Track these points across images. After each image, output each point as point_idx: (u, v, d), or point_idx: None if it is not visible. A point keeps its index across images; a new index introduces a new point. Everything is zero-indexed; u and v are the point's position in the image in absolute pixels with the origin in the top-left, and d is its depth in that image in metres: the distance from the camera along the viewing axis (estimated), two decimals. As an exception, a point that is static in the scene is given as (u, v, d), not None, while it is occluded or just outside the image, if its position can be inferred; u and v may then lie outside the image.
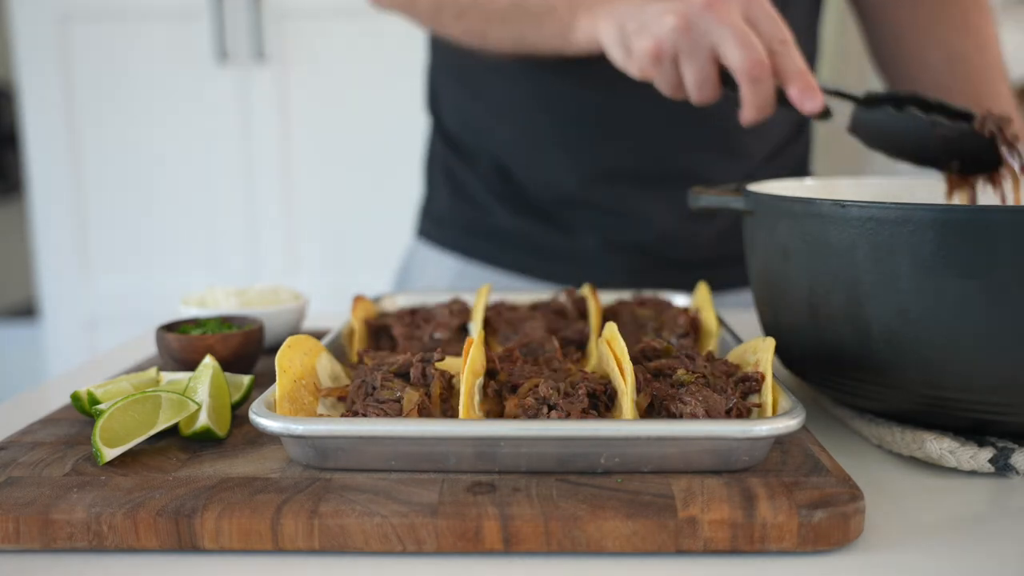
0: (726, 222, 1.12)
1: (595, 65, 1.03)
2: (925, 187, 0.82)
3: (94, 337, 2.51)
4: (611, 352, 0.60)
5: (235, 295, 0.88)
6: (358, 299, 0.82)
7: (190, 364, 0.72)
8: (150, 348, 0.94)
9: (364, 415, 0.57)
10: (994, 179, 0.75)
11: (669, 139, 1.06)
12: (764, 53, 0.72)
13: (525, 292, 0.91)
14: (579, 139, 1.07)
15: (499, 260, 1.15)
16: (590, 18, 0.84)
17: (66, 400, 0.71)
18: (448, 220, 1.20)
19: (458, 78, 1.15)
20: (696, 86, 0.76)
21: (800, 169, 1.18)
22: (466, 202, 1.17)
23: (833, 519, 0.48)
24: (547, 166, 1.10)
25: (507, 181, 1.13)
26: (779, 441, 0.57)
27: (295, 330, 0.88)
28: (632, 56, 0.78)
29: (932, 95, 0.91)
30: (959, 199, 0.77)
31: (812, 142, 1.21)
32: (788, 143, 1.14)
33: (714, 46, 0.73)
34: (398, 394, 0.58)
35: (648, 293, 0.89)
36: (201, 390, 0.61)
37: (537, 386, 0.59)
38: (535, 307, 0.85)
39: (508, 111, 1.10)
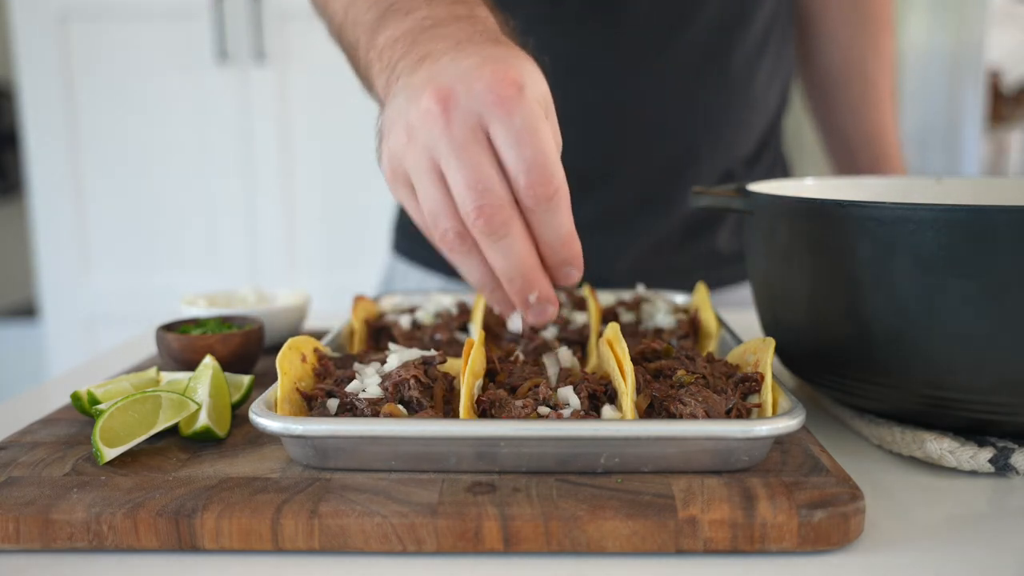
0: (726, 221, 1.13)
1: (577, 73, 1.03)
2: (925, 187, 0.82)
3: (94, 337, 2.51)
4: (612, 353, 0.60)
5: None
6: (358, 299, 0.82)
7: (190, 364, 0.72)
8: (150, 348, 0.94)
9: (364, 415, 0.57)
10: None
11: (650, 148, 1.06)
12: (507, 198, 0.52)
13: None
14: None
15: None
16: (379, 92, 0.64)
17: (66, 400, 0.71)
18: (421, 236, 1.19)
19: None
20: (435, 228, 0.54)
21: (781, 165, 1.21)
22: None
23: (833, 519, 0.48)
24: None
25: None
26: (779, 441, 0.57)
27: (295, 330, 0.88)
28: (383, 171, 0.59)
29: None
30: None
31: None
32: (768, 140, 1.16)
33: (439, 166, 0.53)
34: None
35: (649, 293, 0.89)
36: (201, 390, 0.61)
37: (537, 386, 0.59)
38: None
39: None
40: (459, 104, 0.51)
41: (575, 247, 0.55)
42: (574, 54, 1.02)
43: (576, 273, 0.57)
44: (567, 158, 1.05)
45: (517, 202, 0.53)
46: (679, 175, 1.07)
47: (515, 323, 0.57)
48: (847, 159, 1.21)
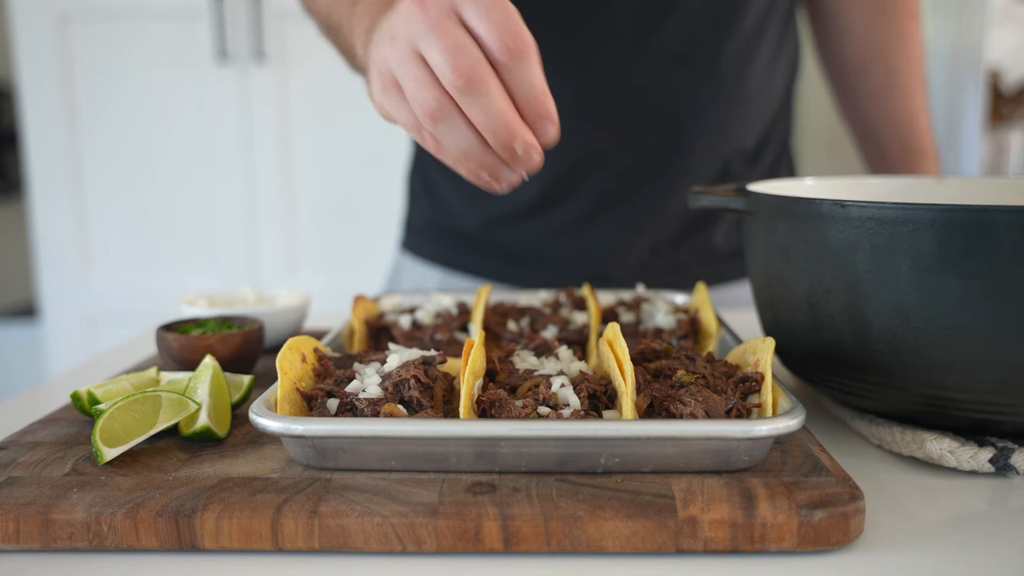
0: (723, 217, 1.12)
1: (571, 58, 1.03)
2: (925, 187, 0.82)
3: (94, 337, 2.51)
4: (612, 353, 0.60)
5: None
6: (358, 299, 0.82)
7: (190, 364, 0.72)
8: (150, 348, 0.94)
9: (364, 415, 0.57)
10: None
11: (648, 135, 1.06)
12: (481, 55, 0.57)
13: (524, 292, 0.91)
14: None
15: (482, 270, 1.14)
16: (362, 51, 0.70)
17: (66, 400, 0.71)
18: (428, 232, 1.19)
19: None
20: (418, 104, 0.59)
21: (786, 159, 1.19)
22: (443, 212, 1.17)
23: (833, 519, 0.48)
24: None
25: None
26: (779, 441, 0.57)
27: (296, 330, 0.88)
28: (374, 101, 0.65)
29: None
30: None
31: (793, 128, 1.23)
32: (773, 130, 1.15)
33: (419, 50, 0.58)
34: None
35: (649, 293, 0.89)
36: (201, 390, 0.61)
37: (537, 386, 0.59)
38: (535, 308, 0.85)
39: None
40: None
41: (548, 102, 0.59)
42: (559, 42, 1.02)
43: (552, 129, 0.60)
44: (557, 149, 1.04)
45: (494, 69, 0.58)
46: (670, 167, 1.07)
47: (505, 178, 0.62)
48: (876, 152, 1.18)
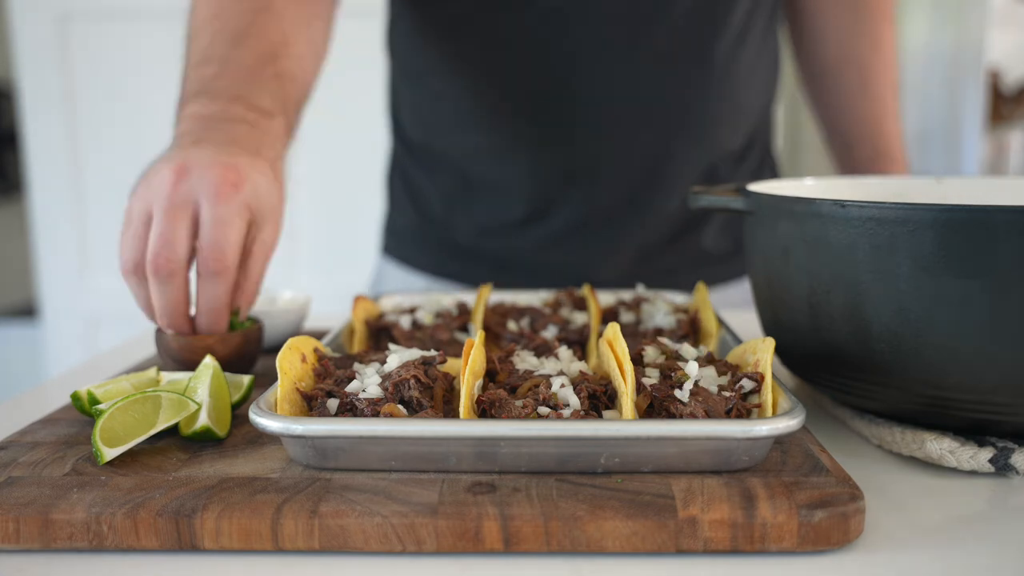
0: (712, 220, 1.12)
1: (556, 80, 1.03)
2: (925, 187, 0.82)
3: (94, 337, 2.51)
4: (612, 352, 0.60)
5: None
6: (358, 299, 0.82)
7: (190, 364, 0.72)
8: (150, 348, 0.94)
9: (364, 415, 0.57)
10: None
11: (634, 150, 1.06)
12: (180, 257, 0.67)
13: (524, 292, 0.91)
14: (541, 143, 1.07)
15: (463, 276, 1.13)
16: (174, 125, 0.80)
17: (66, 400, 0.72)
18: (412, 238, 1.19)
19: (417, 84, 1.14)
20: (124, 249, 0.69)
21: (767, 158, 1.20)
22: (426, 217, 1.17)
23: (833, 519, 0.48)
24: (509, 171, 1.09)
25: (468, 191, 1.12)
26: (779, 441, 0.57)
27: (296, 330, 0.88)
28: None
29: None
30: None
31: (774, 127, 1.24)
32: (757, 135, 1.16)
33: (151, 214, 0.68)
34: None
35: (649, 293, 0.89)
36: (201, 390, 0.61)
37: (537, 386, 0.59)
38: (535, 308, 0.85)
39: (470, 117, 1.09)
40: (188, 180, 0.67)
41: (221, 322, 0.70)
42: (548, 47, 1.02)
43: (215, 335, 0.71)
44: (548, 159, 1.10)
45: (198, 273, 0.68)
46: (660, 171, 1.07)
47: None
48: (846, 153, 1.18)
